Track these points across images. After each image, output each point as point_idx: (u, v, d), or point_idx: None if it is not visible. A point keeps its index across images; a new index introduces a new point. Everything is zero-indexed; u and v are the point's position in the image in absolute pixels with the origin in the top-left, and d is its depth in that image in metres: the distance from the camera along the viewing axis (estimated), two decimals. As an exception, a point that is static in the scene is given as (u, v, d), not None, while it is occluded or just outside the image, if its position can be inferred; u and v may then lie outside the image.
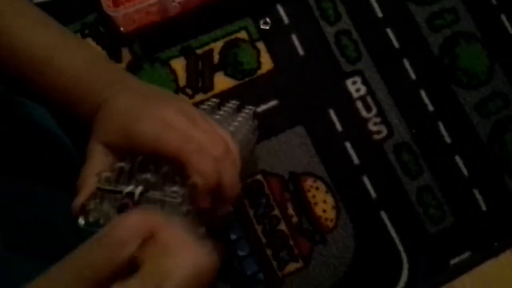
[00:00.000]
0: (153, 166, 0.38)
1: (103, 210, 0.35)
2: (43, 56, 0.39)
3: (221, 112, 0.54)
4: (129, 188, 0.35)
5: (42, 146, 0.49)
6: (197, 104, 0.66)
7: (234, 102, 0.59)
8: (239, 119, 0.54)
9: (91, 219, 0.35)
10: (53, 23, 0.42)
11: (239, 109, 0.58)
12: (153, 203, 0.36)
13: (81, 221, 0.35)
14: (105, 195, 0.36)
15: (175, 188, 0.36)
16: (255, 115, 0.59)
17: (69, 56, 0.40)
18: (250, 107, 0.59)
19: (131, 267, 0.24)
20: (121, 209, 0.35)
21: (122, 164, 0.37)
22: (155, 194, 0.36)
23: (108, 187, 0.36)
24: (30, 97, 0.44)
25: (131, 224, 0.24)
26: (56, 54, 0.40)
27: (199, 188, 0.36)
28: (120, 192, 0.35)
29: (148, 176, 0.37)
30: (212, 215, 0.40)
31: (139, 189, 0.35)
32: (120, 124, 0.38)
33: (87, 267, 0.24)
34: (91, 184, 0.36)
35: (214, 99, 0.57)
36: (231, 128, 0.49)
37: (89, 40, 0.69)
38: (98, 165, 0.37)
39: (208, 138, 0.38)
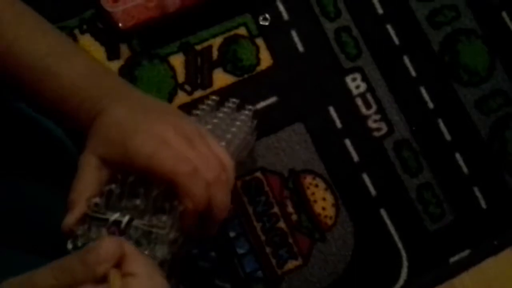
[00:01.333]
0: (143, 188, 0.37)
1: (91, 236, 0.36)
2: (41, 64, 0.39)
3: (220, 115, 0.53)
4: (115, 216, 0.36)
5: (43, 146, 0.48)
6: (196, 102, 0.66)
7: (234, 100, 0.59)
8: (238, 123, 0.53)
9: (79, 243, 0.36)
10: (51, 30, 0.41)
11: (239, 108, 0.58)
12: (140, 231, 0.36)
13: (69, 245, 0.36)
14: (94, 222, 0.36)
15: (164, 218, 0.36)
16: (255, 115, 0.59)
17: (66, 65, 0.39)
18: (250, 106, 0.59)
19: (102, 279, 0.29)
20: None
21: (112, 186, 0.37)
22: (141, 224, 0.36)
23: (96, 215, 0.36)
24: (27, 104, 0.44)
25: (108, 248, 0.30)
26: (53, 63, 0.39)
27: (187, 212, 0.36)
28: (107, 220, 0.36)
29: (137, 202, 0.37)
30: (199, 235, 0.40)
31: (126, 218, 0.36)
32: (116, 137, 0.37)
33: (68, 276, 0.29)
34: (81, 205, 0.36)
35: (214, 97, 0.57)
36: (229, 136, 0.49)
37: (87, 36, 0.68)
38: (90, 180, 0.37)
39: (202, 160, 0.38)
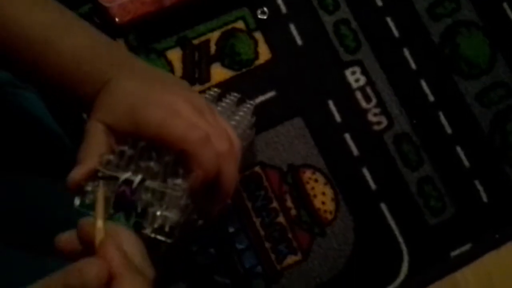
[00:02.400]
0: (155, 153, 0.37)
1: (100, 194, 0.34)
2: (43, 38, 0.38)
3: (223, 104, 0.53)
4: (127, 175, 0.35)
5: (42, 145, 0.48)
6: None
7: (235, 94, 0.59)
8: (240, 113, 0.53)
9: (87, 201, 0.35)
10: (52, 2, 0.40)
11: (239, 103, 0.58)
12: (151, 193, 0.35)
13: (77, 201, 0.35)
14: (104, 180, 0.35)
15: (178, 181, 0.35)
16: (255, 110, 0.58)
17: (70, 37, 0.39)
18: (251, 102, 0.59)
19: None
20: (118, 196, 0.34)
21: (124, 148, 0.36)
22: (154, 184, 0.35)
23: (107, 172, 0.35)
24: (29, 81, 0.43)
25: (93, 273, 0.28)
26: (56, 35, 0.38)
27: (197, 179, 0.36)
28: (118, 178, 0.35)
29: (151, 164, 0.36)
30: (208, 209, 0.39)
31: (138, 177, 0.35)
32: (126, 107, 0.36)
33: None
34: (91, 161, 0.35)
35: (215, 89, 0.56)
36: (232, 122, 0.48)
37: (84, 31, 0.68)
38: (99, 142, 0.36)
39: (213, 131, 0.37)
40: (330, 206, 0.66)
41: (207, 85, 0.68)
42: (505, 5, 0.73)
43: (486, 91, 0.70)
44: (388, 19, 0.71)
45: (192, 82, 0.68)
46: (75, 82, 0.38)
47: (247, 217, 0.65)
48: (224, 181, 0.38)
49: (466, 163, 0.68)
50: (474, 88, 0.70)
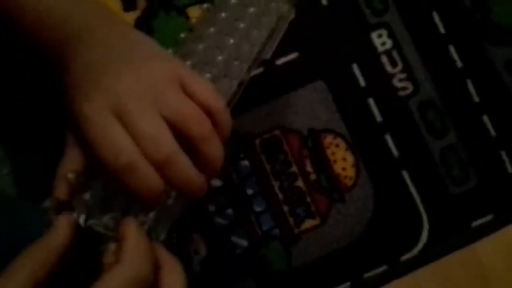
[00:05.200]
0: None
1: None
2: None
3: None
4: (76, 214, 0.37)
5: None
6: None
7: None
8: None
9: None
10: None
11: None
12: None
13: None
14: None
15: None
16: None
17: None
18: None
19: None
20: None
21: (78, 172, 0.38)
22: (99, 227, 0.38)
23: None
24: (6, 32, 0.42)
25: None
26: None
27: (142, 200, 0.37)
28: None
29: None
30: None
31: (82, 218, 0.37)
32: (82, 87, 0.37)
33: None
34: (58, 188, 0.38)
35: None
36: (242, 25, 0.47)
37: (103, -15, 0.66)
38: (71, 163, 0.38)
39: (150, 138, 0.35)
40: (350, 172, 0.64)
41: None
42: (541, -31, 0.69)
43: (517, 59, 0.68)
44: (418, -19, 0.68)
45: (213, 41, 0.66)
46: (49, 30, 0.38)
47: (266, 180, 0.64)
48: (208, 162, 0.38)
49: (492, 132, 0.66)
50: (505, 55, 0.67)
